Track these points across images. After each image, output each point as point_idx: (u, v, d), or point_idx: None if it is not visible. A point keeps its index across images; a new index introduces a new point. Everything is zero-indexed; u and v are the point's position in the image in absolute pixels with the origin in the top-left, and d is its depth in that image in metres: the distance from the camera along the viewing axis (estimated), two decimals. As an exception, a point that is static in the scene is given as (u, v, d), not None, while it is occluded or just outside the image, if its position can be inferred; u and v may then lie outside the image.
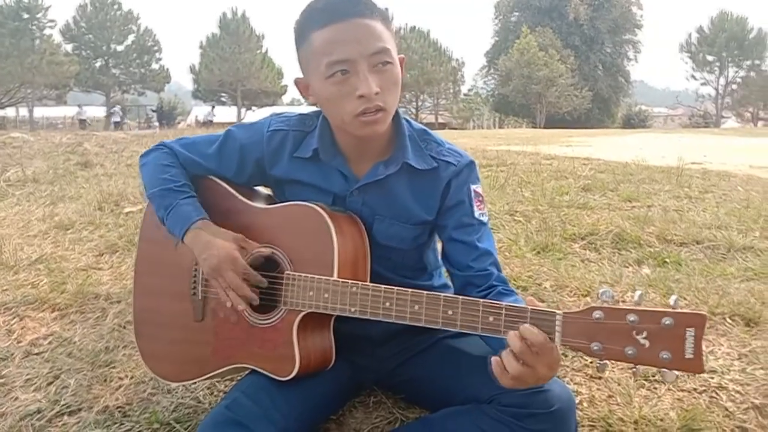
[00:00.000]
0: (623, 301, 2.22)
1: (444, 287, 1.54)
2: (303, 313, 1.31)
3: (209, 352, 1.44)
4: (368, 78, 1.22)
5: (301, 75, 1.35)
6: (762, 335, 1.99)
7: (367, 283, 1.26)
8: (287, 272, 1.33)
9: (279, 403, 1.31)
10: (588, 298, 2.28)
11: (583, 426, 1.52)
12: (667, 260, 2.87)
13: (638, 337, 0.99)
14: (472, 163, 1.44)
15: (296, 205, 1.37)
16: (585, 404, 1.61)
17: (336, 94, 1.25)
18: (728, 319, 2.09)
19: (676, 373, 0.99)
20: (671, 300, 0.99)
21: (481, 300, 1.14)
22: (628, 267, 2.81)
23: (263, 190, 1.56)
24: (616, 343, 1.01)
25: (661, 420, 1.51)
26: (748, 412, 1.58)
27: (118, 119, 37.40)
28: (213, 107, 43.09)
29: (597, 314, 1.02)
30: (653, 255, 2.96)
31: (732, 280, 2.59)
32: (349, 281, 1.27)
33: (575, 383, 1.72)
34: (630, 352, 1.00)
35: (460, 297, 1.16)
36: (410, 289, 1.20)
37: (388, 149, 1.40)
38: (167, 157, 1.49)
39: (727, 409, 1.59)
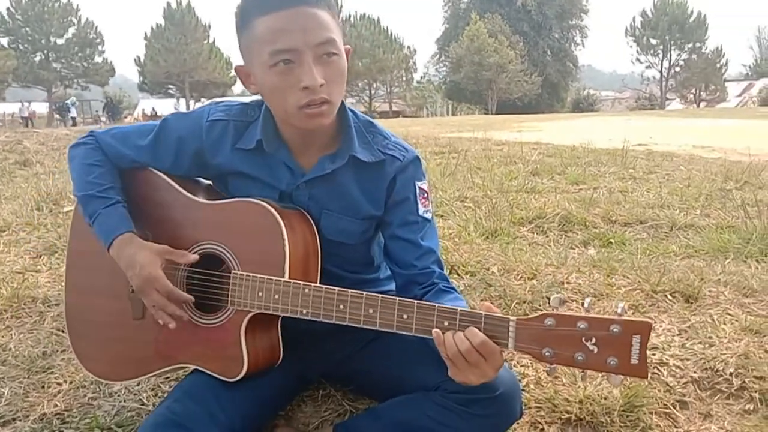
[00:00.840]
0: (573, 293, 2.26)
1: (390, 279, 1.53)
2: (251, 314, 1.27)
3: (150, 352, 1.39)
4: (313, 69, 1.18)
5: (241, 62, 1.30)
6: (700, 310, 2.05)
7: (320, 285, 1.23)
8: (234, 272, 1.29)
9: (223, 403, 1.28)
10: (534, 281, 2.31)
11: (529, 407, 1.53)
12: (612, 240, 2.94)
13: (587, 344, 1.03)
14: (417, 158, 1.42)
15: (244, 202, 1.32)
16: (531, 386, 1.63)
17: (279, 84, 1.20)
18: (669, 296, 2.15)
19: (621, 377, 1.02)
20: (618, 308, 1.02)
21: (437, 305, 1.14)
22: (574, 248, 2.86)
23: (205, 182, 1.51)
24: (566, 349, 1.04)
25: (605, 398, 1.53)
26: (688, 386, 1.63)
27: (75, 114, 35.43)
28: (178, 99, 41.46)
29: (549, 321, 1.05)
30: (598, 236, 3.02)
31: (673, 257, 2.67)
32: (302, 282, 1.23)
33: (522, 365, 1.74)
34: (579, 357, 1.03)
35: (416, 302, 1.15)
36: (365, 292, 1.19)
37: (335, 141, 1.36)
38: (94, 154, 1.41)
39: (667, 384, 1.63)
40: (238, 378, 1.28)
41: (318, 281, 1.32)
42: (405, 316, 1.15)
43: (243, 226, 1.31)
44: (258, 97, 1.38)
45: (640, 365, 1.01)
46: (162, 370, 1.40)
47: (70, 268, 1.52)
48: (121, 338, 1.43)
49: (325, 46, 1.19)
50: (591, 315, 1.04)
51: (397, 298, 1.17)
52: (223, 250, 1.32)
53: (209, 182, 1.50)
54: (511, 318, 1.08)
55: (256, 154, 1.36)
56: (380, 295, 1.18)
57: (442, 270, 1.40)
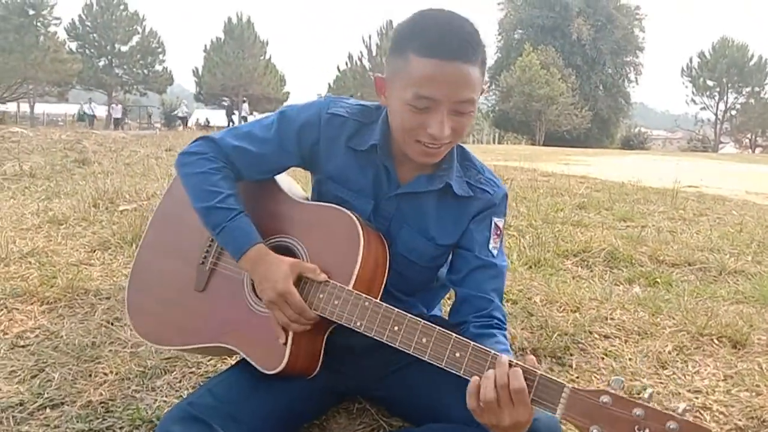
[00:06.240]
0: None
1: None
2: None
3: (200, 325, 1.41)
4: (444, 122, 1.21)
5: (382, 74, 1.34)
6: (748, 358, 1.99)
7: (381, 302, 1.24)
8: None
9: (249, 403, 1.29)
10: (577, 314, 2.28)
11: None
12: (659, 280, 2.88)
13: None
14: (505, 195, 1.46)
15: (333, 208, 1.36)
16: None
17: (408, 118, 1.24)
18: (716, 341, 2.10)
19: None
20: (680, 407, 0.97)
21: (492, 351, 1.12)
22: (619, 285, 2.81)
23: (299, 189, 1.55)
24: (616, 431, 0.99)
25: (644, 438, 1.50)
26: (731, 433, 1.58)
27: (184, 115, 36.81)
28: (245, 101, 40.51)
29: (605, 398, 1.01)
30: (644, 274, 2.96)
31: (722, 302, 2.60)
32: (363, 294, 1.25)
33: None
34: None
35: (472, 343, 1.14)
36: (422, 320, 1.18)
37: (435, 164, 1.38)
38: (207, 162, 1.39)
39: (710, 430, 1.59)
40: (274, 372, 1.29)
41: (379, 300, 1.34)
42: (457, 354, 1.14)
43: (325, 230, 1.35)
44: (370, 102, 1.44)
45: None
46: (203, 345, 1.41)
47: (153, 226, 1.58)
48: (176, 303, 1.47)
49: (463, 105, 1.22)
50: (651, 405, 0.98)
51: (453, 335, 1.15)
52: (299, 247, 1.36)
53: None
54: (567, 385, 1.04)
55: (363, 157, 1.40)
56: (437, 327, 1.16)
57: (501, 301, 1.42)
